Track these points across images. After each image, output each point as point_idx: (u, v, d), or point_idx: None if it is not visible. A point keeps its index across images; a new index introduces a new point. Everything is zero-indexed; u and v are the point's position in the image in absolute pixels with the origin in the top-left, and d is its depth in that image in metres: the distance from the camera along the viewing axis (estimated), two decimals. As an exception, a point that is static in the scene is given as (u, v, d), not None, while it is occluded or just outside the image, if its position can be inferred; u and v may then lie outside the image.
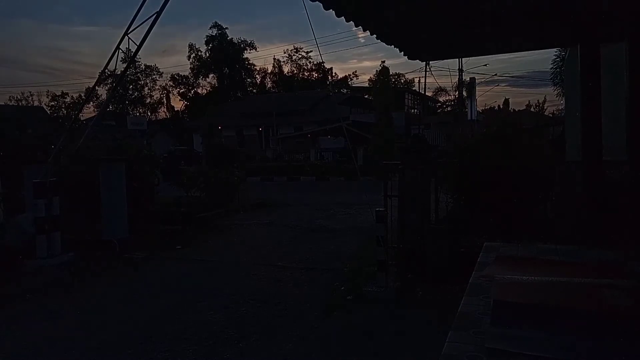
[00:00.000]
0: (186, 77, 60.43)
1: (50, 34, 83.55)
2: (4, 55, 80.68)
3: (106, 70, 12.13)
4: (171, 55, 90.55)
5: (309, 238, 9.12)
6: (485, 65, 78.90)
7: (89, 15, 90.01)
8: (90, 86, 44.67)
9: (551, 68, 20.40)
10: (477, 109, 36.04)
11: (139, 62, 53.18)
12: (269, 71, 63.10)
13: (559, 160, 6.86)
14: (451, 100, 44.69)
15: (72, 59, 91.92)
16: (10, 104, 50.20)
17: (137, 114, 54.89)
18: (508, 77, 77.73)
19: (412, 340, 4.24)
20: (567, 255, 2.19)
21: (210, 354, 4.14)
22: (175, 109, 62.03)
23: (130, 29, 8.29)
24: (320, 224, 10.38)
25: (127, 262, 7.43)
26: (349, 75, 63.48)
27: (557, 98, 23.51)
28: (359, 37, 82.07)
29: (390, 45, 5.28)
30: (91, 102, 43.29)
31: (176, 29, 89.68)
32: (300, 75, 62.37)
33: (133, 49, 8.57)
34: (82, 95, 50.75)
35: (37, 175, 7.37)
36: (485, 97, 71.30)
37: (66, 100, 56.67)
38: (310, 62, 61.59)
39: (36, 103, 56.19)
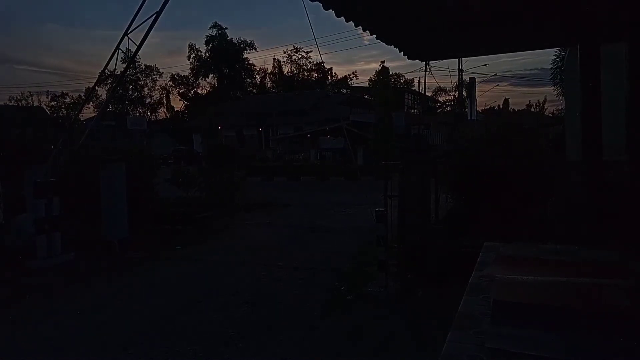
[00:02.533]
0: (186, 77, 60.48)
1: (74, 37, 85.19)
2: (23, 56, 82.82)
3: (106, 71, 12.14)
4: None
5: (309, 238, 9.13)
6: (485, 65, 78.95)
7: (115, 21, 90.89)
8: (90, 86, 44.68)
9: (551, 68, 20.36)
10: (477, 109, 36.04)
11: (139, 62, 53.21)
12: (269, 71, 63.16)
13: (559, 160, 6.87)
14: (451, 100, 44.76)
15: (91, 61, 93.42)
16: (10, 104, 50.23)
17: (137, 114, 54.86)
18: (508, 76, 77.70)
19: (412, 340, 4.24)
20: (567, 255, 2.19)
21: (210, 354, 4.14)
22: (175, 109, 62.08)
23: (130, 29, 8.31)
24: (321, 224, 10.38)
25: (127, 262, 7.42)
26: (349, 75, 63.51)
27: (557, 98, 23.47)
28: (365, 39, 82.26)
29: (390, 45, 5.29)
30: (91, 102, 43.30)
31: (192, 32, 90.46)
32: (300, 75, 62.35)
33: (133, 49, 8.60)
34: (82, 95, 50.76)
35: (37, 175, 7.38)
36: (485, 97, 71.27)
37: (66, 100, 56.69)
38: (310, 62, 61.59)
39: (36, 103, 56.19)
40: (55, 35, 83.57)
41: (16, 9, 74.16)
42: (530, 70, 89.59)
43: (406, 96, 45.92)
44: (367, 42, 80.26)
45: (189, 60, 59.11)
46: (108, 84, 33.54)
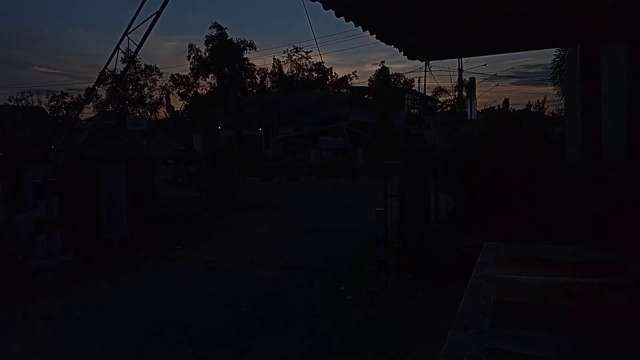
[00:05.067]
0: (186, 77, 60.46)
1: (82, 39, 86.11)
2: (30, 57, 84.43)
3: (106, 71, 12.14)
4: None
5: (309, 238, 9.12)
6: (485, 65, 78.98)
7: (119, 21, 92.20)
8: (90, 86, 44.64)
9: (551, 68, 20.38)
10: (477, 109, 36.09)
11: (139, 62, 53.19)
12: (269, 71, 63.13)
13: (558, 160, 6.87)
14: (451, 100, 44.72)
15: (94, 63, 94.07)
16: (10, 104, 50.21)
17: (137, 114, 54.82)
18: (509, 75, 77.69)
19: (412, 340, 4.24)
20: (567, 255, 2.19)
21: (210, 354, 4.14)
22: (175, 109, 62.07)
23: (130, 29, 8.31)
24: (320, 224, 10.38)
25: (127, 262, 7.42)
26: (349, 75, 63.45)
27: (557, 98, 23.46)
28: (370, 40, 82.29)
29: (390, 45, 5.28)
30: (91, 102, 43.27)
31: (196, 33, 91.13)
32: (300, 75, 62.33)
33: (133, 49, 8.60)
34: (82, 95, 50.70)
35: (37, 175, 7.38)
36: (485, 97, 71.27)
37: (66, 100, 56.63)
38: (310, 62, 61.55)
39: (36, 103, 56.17)
40: (62, 36, 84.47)
41: (29, 11, 76.21)
42: (534, 69, 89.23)
43: (406, 96, 45.91)
44: (371, 44, 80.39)
45: (189, 60, 59.15)
46: (108, 84, 33.60)
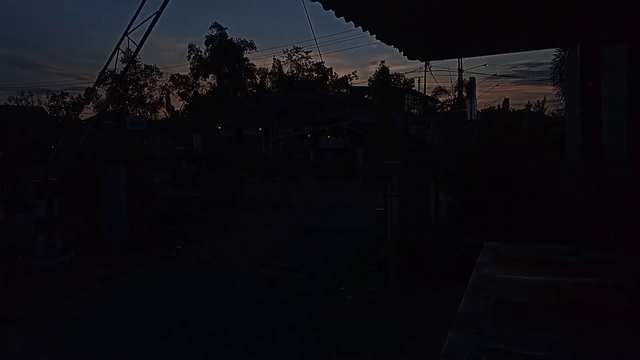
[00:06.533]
0: (186, 77, 60.40)
1: (100, 41, 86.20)
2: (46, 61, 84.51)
3: (106, 71, 12.13)
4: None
5: (308, 238, 9.12)
6: (485, 65, 78.98)
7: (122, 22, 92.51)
8: (90, 86, 44.59)
9: (551, 68, 20.41)
10: (477, 109, 36.13)
11: (139, 62, 53.13)
12: (269, 71, 63.08)
13: (558, 160, 6.88)
14: (451, 101, 44.73)
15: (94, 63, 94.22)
16: (10, 104, 50.15)
17: (137, 114, 54.75)
18: (509, 76, 77.72)
19: (412, 340, 4.24)
20: (567, 255, 2.19)
21: (210, 354, 4.14)
22: (175, 109, 62.04)
23: (130, 29, 8.32)
24: (320, 224, 10.38)
25: (127, 262, 7.42)
26: (349, 75, 63.38)
27: (557, 98, 23.47)
28: (374, 42, 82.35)
29: (390, 45, 5.28)
30: (91, 102, 43.21)
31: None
32: (300, 76, 62.27)
33: (133, 49, 8.61)
34: (82, 95, 50.65)
35: (37, 175, 7.38)
36: (485, 97, 71.35)
37: (66, 100, 56.57)
38: (310, 62, 61.49)
39: (36, 103, 56.08)
40: (64, 37, 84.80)
41: (32, 12, 76.85)
42: (535, 67, 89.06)
43: (406, 96, 45.91)
44: (374, 44, 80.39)
45: (189, 60, 59.07)
46: (108, 84, 33.56)
